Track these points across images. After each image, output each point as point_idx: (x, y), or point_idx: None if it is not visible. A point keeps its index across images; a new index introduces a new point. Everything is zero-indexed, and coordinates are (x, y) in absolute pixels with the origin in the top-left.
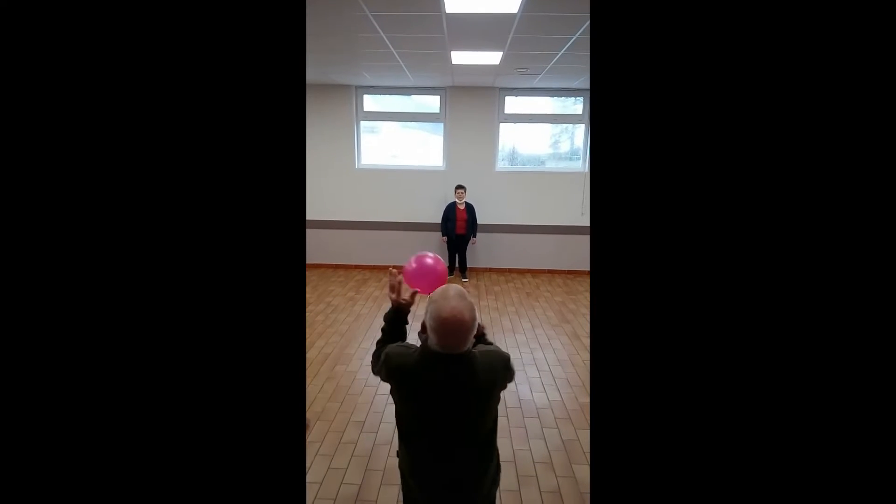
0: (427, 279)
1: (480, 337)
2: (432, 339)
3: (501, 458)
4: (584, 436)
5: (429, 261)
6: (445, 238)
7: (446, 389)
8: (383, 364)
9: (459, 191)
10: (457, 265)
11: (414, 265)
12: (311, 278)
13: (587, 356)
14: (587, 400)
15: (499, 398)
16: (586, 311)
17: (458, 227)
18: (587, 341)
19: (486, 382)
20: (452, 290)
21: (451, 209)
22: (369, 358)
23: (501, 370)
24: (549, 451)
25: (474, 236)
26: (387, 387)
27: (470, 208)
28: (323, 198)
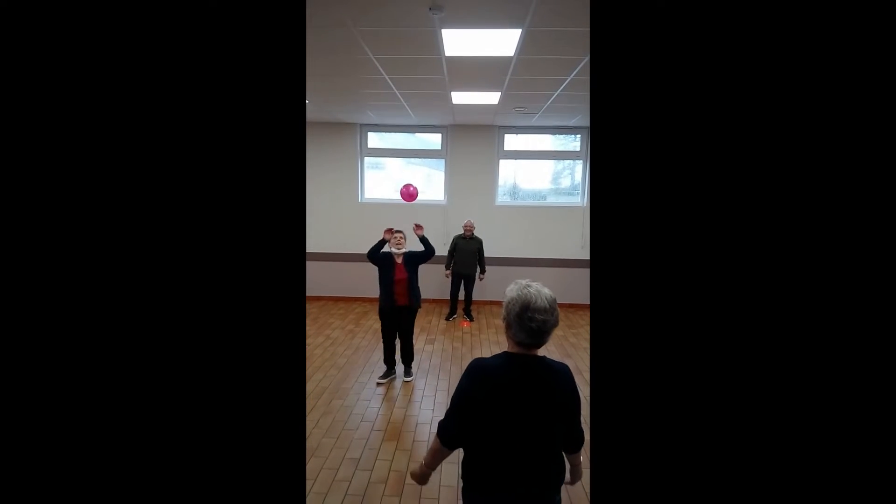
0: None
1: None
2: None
3: None
4: (588, 477)
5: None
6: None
7: None
8: None
9: (398, 234)
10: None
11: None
12: (312, 310)
13: (588, 391)
14: (589, 438)
15: None
16: (587, 345)
17: (397, 294)
18: (588, 375)
19: None
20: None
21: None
22: (366, 393)
23: None
24: None
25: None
26: (383, 423)
27: (412, 258)
28: (326, 231)
